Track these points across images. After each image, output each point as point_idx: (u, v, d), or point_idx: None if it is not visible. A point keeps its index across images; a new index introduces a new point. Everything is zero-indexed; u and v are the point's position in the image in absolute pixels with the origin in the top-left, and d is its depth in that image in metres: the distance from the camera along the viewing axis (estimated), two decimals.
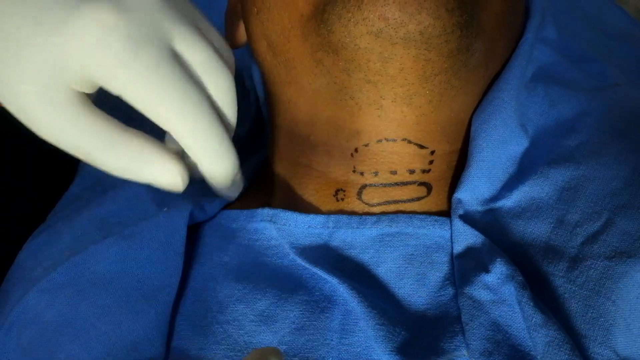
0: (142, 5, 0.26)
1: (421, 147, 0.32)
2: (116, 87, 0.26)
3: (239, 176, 0.32)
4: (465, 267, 0.30)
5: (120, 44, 0.25)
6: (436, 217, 0.32)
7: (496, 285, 0.29)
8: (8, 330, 0.34)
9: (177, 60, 0.27)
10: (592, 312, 0.28)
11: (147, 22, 0.26)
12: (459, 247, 0.31)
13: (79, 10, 0.25)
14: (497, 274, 0.29)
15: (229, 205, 0.37)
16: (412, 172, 0.33)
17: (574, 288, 0.29)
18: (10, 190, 0.50)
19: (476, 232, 0.31)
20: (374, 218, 0.32)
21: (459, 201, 0.32)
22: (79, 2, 0.25)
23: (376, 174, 0.33)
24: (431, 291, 0.31)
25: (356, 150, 0.33)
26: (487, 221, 0.32)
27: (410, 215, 0.32)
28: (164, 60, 0.26)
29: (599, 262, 0.30)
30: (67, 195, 0.42)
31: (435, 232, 0.32)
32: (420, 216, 0.32)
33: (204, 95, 0.27)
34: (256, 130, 0.40)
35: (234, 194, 0.33)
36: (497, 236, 0.31)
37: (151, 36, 0.26)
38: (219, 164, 0.29)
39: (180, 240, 0.33)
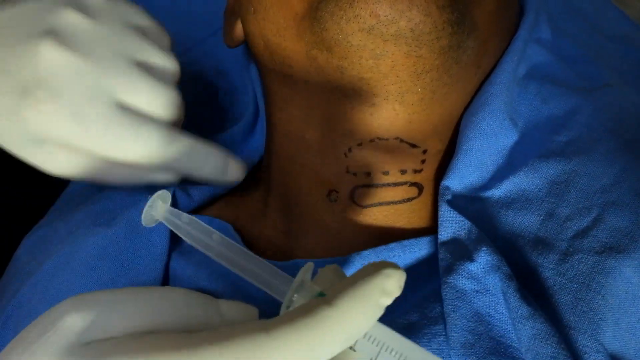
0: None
1: (413, 146, 0.33)
2: None
3: (234, 163, 0.34)
4: (450, 256, 0.30)
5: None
6: (405, 243, 0.32)
7: (480, 275, 0.29)
8: (4, 324, 0.35)
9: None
10: (582, 306, 0.29)
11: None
12: (444, 234, 0.31)
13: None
14: (482, 263, 0.29)
15: (228, 196, 0.37)
16: (404, 172, 0.33)
17: (563, 281, 0.29)
18: (10, 188, 0.51)
19: (462, 218, 0.31)
20: (354, 257, 0.32)
21: (447, 188, 0.32)
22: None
23: (368, 174, 0.33)
24: (415, 301, 0.31)
25: (349, 150, 0.33)
26: (475, 209, 0.32)
27: (382, 247, 0.32)
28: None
29: (589, 257, 0.30)
30: (65, 193, 0.43)
31: (413, 254, 0.32)
32: (391, 245, 0.32)
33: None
34: (254, 126, 0.41)
35: (231, 179, 0.34)
36: (485, 225, 0.32)
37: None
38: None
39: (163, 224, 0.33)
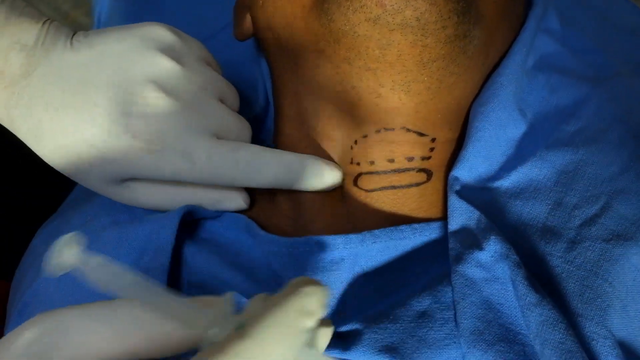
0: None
1: (421, 134, 0.33)
2: None
3: (329, 167, 0.34)
4: (459, 245, 0.30)
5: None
6: (415, 225, 0.32)
7: (489, 263, 0.30)
8: (21, 311, 0.35)
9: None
10: (589, 293, 0.29)
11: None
12: (454, 224, 0.31)
13: None
14: (491, 252, 0.29)
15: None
16: (410, 159, 0.33)
17: (571, 268, 0.29)
18: (10, 188, 0.51)
19: (471, 208, 0.31)
20: (366, 235, 0.32)
21: (456, 178, 0.32)
22: None
23: (372, 162, 0.33)
24: (423, 287, 0.31)
25: (356, 142, 0.33)
26: (484, 200, 0.32)
27: (392, 228, 0.32)
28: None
29: (596, 244, 0.30)
30: (79, 185, 0.43)
31: (423, 237, 0.32)
32: (401, 227, 0.32)
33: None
34: (264, 118, 0.41)
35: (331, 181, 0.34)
36: (494, 215, 0.32)
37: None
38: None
39: (177, 214, 0.34)
